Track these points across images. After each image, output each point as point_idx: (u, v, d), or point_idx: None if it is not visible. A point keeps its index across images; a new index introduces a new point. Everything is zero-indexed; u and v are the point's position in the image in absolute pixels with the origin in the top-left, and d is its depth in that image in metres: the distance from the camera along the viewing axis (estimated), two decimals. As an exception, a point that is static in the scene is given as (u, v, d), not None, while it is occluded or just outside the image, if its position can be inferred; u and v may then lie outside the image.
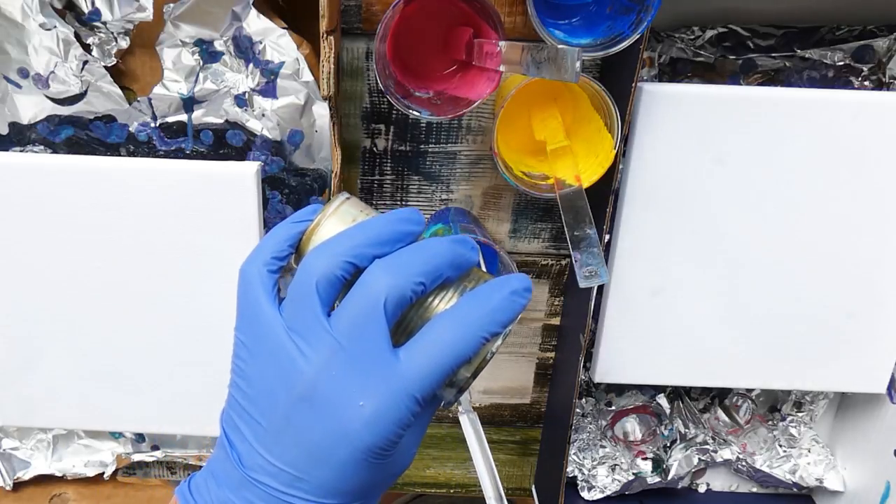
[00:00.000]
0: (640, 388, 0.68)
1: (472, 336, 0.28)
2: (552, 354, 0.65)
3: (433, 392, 0.28)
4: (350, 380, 0.28)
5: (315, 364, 0.28)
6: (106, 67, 0.52)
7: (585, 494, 0.67)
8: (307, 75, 0.52)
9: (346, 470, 0.28)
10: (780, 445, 0.69)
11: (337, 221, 0.31)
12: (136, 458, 0.67)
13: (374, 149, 0.56)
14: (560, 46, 0.34)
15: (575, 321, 0.58)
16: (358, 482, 0.29)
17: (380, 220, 0.30)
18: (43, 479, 0.68)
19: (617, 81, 0.49)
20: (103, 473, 0.67)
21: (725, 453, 0.68)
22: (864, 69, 0.56)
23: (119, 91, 0.53)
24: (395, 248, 0.29)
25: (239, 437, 0.30)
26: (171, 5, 0.50)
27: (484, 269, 0.50)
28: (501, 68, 0.42)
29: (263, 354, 0.29)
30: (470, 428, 0.33)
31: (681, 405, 0.69)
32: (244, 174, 0.51)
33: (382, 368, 0.28)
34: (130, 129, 0.54)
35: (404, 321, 0.30)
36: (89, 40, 0.51)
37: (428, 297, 0.30)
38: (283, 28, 0.51)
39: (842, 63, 0.56)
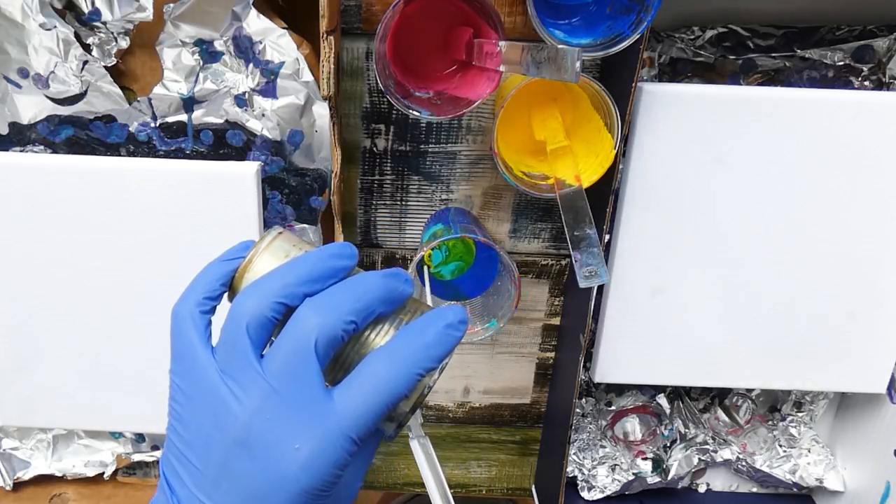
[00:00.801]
0: (640, 388, 0.68)
1: (406, 373, 0.28)
2: (552, 354, 0.65)
3: (369, 430, 0.28)
4: (284, 423, 0.27)
5: (248, 408, 0.28)
6: (106, 67, 0.52)
7: (585, 494, 0.67)
8: (307, 75, 0.52)
9: None
10: (780, 445, 0.69)
11: (269, 258, 0.31)
12: (136, 458, 0.67)
13: (374, 149, 0.56)
14: (560, 46, 0.34)
15: (575, 321, 0.58)
16: None
17: (311, 255, 0.30)
18: (43, 479, 0.68)
19: (617, 81, 0.49)
20: (103, 473, 0.67)
21: (725, 453, 0.68)
22: (864, 69, 0.56)
23: (119, 91, 0.53)
24: (327, 284, 0.29)
25: (178, 481, 0.29)
26: (171, 5, 0.50)
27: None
28: (501, 68, 0.42)
29: (197, 398, 0.29)
30: (421, 453, 0.33)
31: (681, 405, 0.69)
32: (244, 174, 0.51)
33: (316, 410, 0.27)
34: (130, 129, 0.54)
35: (340, 357, 0.30)
36: (89, 40, 0.51)
37: (363, 331, 0.29)
38: (283, 28, 0.51)
39: (842, 63, 0.56)
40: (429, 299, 0.50)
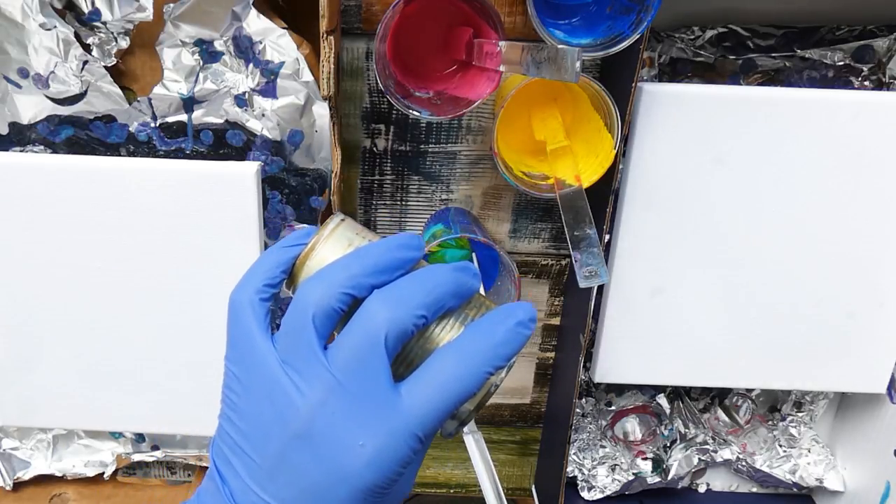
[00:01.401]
0: (640, 388, 0.68)
1: (476, 371, 0.27)
2: (552, 354, 0.65)
3: (435, 429, 0.27)
4: (350, 418, 0.27)
5: (312, 400, 0.27)
6: (106, 67, 0.52)
7: (585, 494, 0.67)
8: (307, 75, 0.52)
9: None
10: (780, 445, 0.69)
11: (332, 246, 0.30)
12: (136, 458, 0.67)
13: (374, 149, 0.56)
14: (560, 46, 0.34)
15: (575, 321, 0.58)
16: None
17: (378, 246, 0.29)
18: (43, 479, 0.68)
19: (617, 81, 0.49)
20: (103, 473, 0.67)
21: (725, 453, 0.68)
22: (864, 69, 0.56)
23: (119, 91, 0.53)
24: (394, 276, 0.28)
25: (231, 472, 0.29)
26: (171, 5, 0.50)
27: (483, 292, 0.50)
28: (501, 68, 0.42)
29: (256, 388, 0.28)
30: (475, 448, 0.32)
31: (681, 405, 0.69)
32: (244, 174, 0.51)
33: (384, 407, 0.27)
34: (130, 129, 0.54)
35: (405, 352, 0.29)
36: (89, 40, 0.51)
37: (429, 326, 0.29)
38: (283, 28, 0.51)
39: (842, 63, 0.56)
40: None
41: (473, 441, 0.32)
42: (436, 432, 0.28)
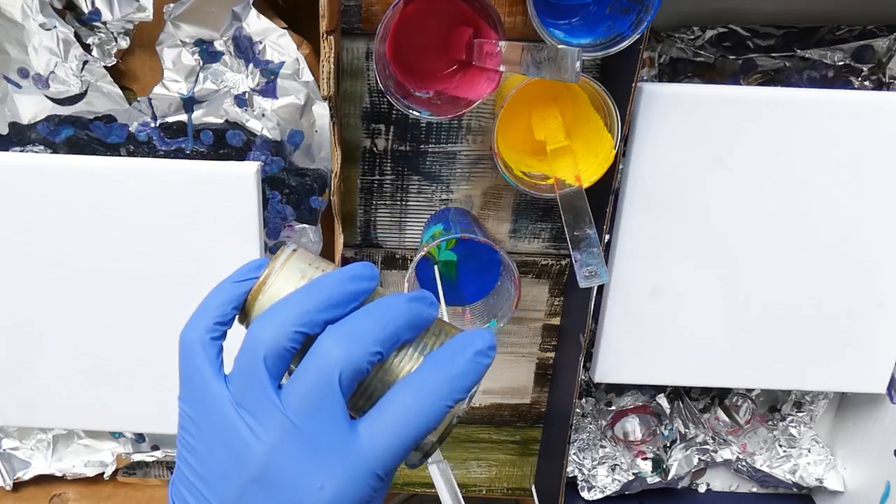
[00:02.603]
0: (640, 388, 0.68)
1: (435, 405, 0.26)
2: (552, 354, 0.65)
3: (396, 466, 0.27)
4: (307, 461, 0.26)
5: (267, 444, 0.26)
6: (106, 67, 0.52)
7: (585, 494, 0.67)
8: (307, 75, 0.52)
9: None
10: (780, 445, 0.69)
11: (285, 279, 0.29)
12: (136, 458, 0.67)
13: (374, 149, 0.56)
14: (560, 46, 0.34)
15: (575, 321, 0.58)
16: None
17: (330, 278, 0.28)
18: (43, 479, 0.68)
19: (617, 81, 0.49)
20: (103, 473, 0.67)
21: (725, 453, 0.68)
22: (864, 69, 0.56)
23: (119, 91, 0.53)
24: (348, 309, 0.27)
25: None
26: (171, 5, 0.50)
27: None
28: (501, 68, 0.42)
29: (211, 431, 0.27)
30: (440, 478, 0.31)
31: (681, 405, 0.69)
32: (244, 174, 0.51)
33: (341, 447, 0.26)
34: (130, 129, 0.54)
35: (363, 385, 0.28)
36: (89, 40, 0.51)
37: (388, 359, 0.28)
38: (283, 28, 0.51)
39: (842, 63, 0.56)
40: (442, 303, 0.50)
41: (439, 471, 0.31)
42: (397, 468, 0.27)
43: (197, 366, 0.28)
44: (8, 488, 0.67)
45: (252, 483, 0.26)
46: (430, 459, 0.30)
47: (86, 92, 0.52)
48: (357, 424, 0.27)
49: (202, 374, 0.28)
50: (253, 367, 0.26)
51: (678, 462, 0.68)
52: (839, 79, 0.57)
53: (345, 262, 0.59)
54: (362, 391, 0.28)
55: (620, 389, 0.68)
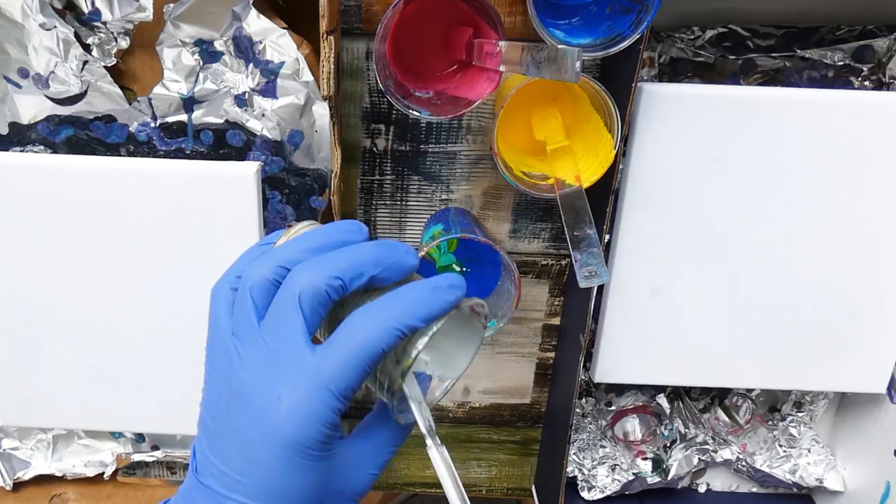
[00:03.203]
0: (640, 388, 0.68)
1: (384, 327, 0.28)
2: (552, 354, 0.65)
3: (350, 387, 0.28)
4: (270, 376, 0.28)
5: (246, 362, 0.29)
6: (106, 67, 0.52)
7: (585, 494, 0.67)
8: (307, 75, 0.52)
9: (276, 469, 0.28)
10: (780, 445, 0.69)
11: None
12: (136, 458, 0.67)
13: (374, 149, 0.56)
14: (560, 46, 0.34)
15: (575, 321, 0.58)
16: (294, 486, 0.29)
17: (318, 230, 0.31)
18: (43, 479, 0.68)
19: (617, 81, 0.49)
20: (103, 473, 0.67)
21: (725, 453, 0.68)
22: (864, 69, 0.56)
23: (119, 91, 0.53)
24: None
25: (198, 444, 0.31)
26: (171, 5, 0.50)
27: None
28: (501, 68, 0.42)
29: (214, 361, 0.31)
30: (440, 462, 0.31)
31: (681, 405, 0.69)
32: (244, 174, 0.51)
33: (297, 362, 0.28)
34: (130, 129, 0.54)
35: (332, 319, 0.30)
36: (89, 40, 0.51)
37: (357, 296, 0.30)
38: (283, 28, 0.51)
39: (842, 63, 0.56)
40: None
41: (439, 454, 0.31)
42: (352, 389, 0.29)
43: (216, 313, 0.31)
44: (8, 488, 0.67)
45: (234, 399, 0.29)
46: (429, 443, 0.31)
47: (86, 92, 0.53)
48: (317, 346, 0.29)
49: (218, 318, 0.31)
50: (243, 300, 0.30)
51: (678, 462, 0.68)
52: (839, 79, 0.57)
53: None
54: (332, 326, 0.30)
55: (620, 389, 0.68)
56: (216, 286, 0.32)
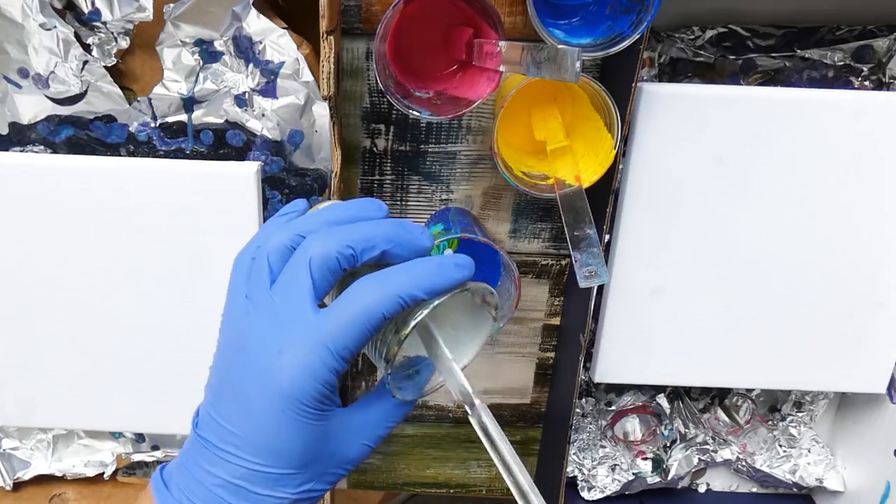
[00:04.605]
0: (640, 388, 0.68)
1: (387, 294, 0.29)
2: (552, 354, 0.65)
3: (348, 347, 0.29)
4: (273, 331, 0.29)
5: (252, 319, 0.30)
6: (106, 67, 0.52)
7: (585, 494, 0.68)
8: (307, 75, 0.52)
9: (270, 423, 0.29)
10: (780, 445, 0.69)
11: None
12: (136, 458, 0.67)
13: (374, 149, 0.56)
14: (560, 46, 0.34)
15: (575, 321, 0.58)
16: (286, 442, 0.29)
17: (340, 205, 0.32)
18: (43, 479, 0.68)
19: (617, 81, 0.49)
20: (103, 473, 0.67)
21: (725, 453, 0.68)
22: (864, 69, 0.56)
23: (119, 91, 0.53)
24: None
25: (203, 403, 0.32)
26: (171, 5, 0.50)
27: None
28: (501, 68, 0.42)
29: (227, 324, 0.31)
30: (490, 425, 0.30)
31: (681, 405, 0.69)
32: (244, 174, 0.51)
33: (300, 320, 0.29)
34: (130, 129, 0.54)
35: (342, 290, 0.31)
36: (89, 40, 0.51)
37: (368, 269, 0.31)
38: (283, 28, 0.51)
39: (842, 63, 0.56)
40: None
41: (476, 420, 0.31)
42: (351, 353, 0.29)
43: (234, 278, 0.32)
44: (8, 488, 0.67)
45: (237, 352, 0.30)
46: (470, 413, 0.31)
47: (86, 92, 0.53)
48: (322, 309, 0.30)
49: (235, 283, 0.31)
50: (260, 264, 0.30)
51: (678, 462, 0.68)
52: (839, 79, 0.57)
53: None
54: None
55: (620, 389, 0.68)
56: (238, 255, 0.32)
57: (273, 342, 0.29)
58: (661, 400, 0.68)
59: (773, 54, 0.56)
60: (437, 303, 0.30)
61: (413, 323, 0.29)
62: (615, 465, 0.68)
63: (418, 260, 0.30)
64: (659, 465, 0.68)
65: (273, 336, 0.29)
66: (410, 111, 0.45)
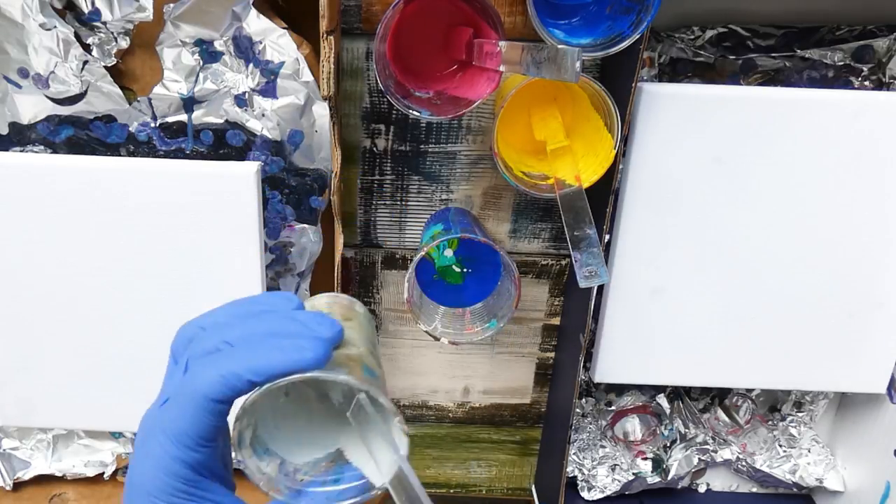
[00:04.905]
0: (640, 388, 0.68)
1: (213, 375, 0.28)
2: (552, 354, 0.65)
3: (189, 433, 0.28)
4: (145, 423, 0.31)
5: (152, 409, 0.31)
6: (106, 67, 0.52)
7: (585, 494, 0.67)
8: (307, 75, 0.52)
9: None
10: (780, 445, 0.69)
11: None
12: (136, 458, 0.67)
13: (374, 149, 0.56)
14: (560, 46, 0.34)
15: (575, 321, 0.58)
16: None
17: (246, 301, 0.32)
18: (43, 479, 0.68)
19: (617, 81, 0.49)
20: (103, 473, 0.67)
21: (725, 453, 0.68)
22: (864, 69, 0.56)
23: (119, 91, 0.53)
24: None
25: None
26: (171, 5, 0.50)
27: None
28: (501, 68, 0.42)
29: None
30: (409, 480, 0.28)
31: (681, 405, 0.69)
32: (244, 174, 0.51)
33: (150, 412, 0.31)
34: (130, 129, 0.54)
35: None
36: (89, 40, 0.51)
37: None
38: (283, 28, 0.51)
39: (842, 63, 0.56)
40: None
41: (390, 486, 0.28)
42: (198, 438, 0.28)
43: (172, 347, 0.34)
44: (8, 488, 0.67)
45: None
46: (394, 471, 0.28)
47: (86, 92, 0.53)
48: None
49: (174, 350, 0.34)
50: (176, 356, 0.33)
51: (678, 462, 0.68)
52: (839, 79, 0.57)
53: (344, 262, 0.59)
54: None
55: (620, 389, 0.68)
56: (183, 326, 0.33)
57: (141, 438, 0.30)
58: (661, 400, 0.68)
59: (773, 54, 0.56)
60: (264, 389, 0.26)
61: (237, 413, 0.27)
62: (615, 465, 0.68)
63: (275, 335, 0.27)
64: (659, 465, 0.68)
65: (143, 428, 0.30)
66: (410, 111, 0.45)
